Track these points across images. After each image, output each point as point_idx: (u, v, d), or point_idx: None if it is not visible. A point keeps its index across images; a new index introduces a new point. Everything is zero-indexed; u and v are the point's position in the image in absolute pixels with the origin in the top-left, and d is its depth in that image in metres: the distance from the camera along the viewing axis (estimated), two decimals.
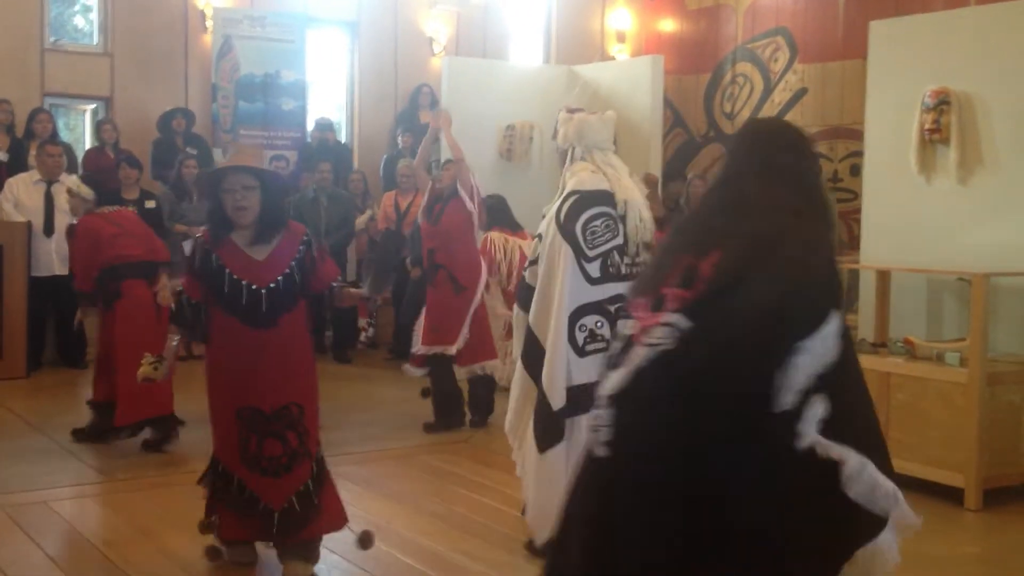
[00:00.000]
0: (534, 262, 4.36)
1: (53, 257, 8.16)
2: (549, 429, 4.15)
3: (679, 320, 2.33)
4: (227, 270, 3.83)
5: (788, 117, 10.64)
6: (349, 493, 5.30)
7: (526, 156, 9.40)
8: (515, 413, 4.38)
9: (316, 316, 3.91)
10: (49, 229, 8.20)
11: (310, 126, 10.29)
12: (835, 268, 2.43)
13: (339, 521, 4.13)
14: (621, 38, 12.27)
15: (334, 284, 4.08)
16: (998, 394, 5.27)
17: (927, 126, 6.18)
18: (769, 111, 10.83)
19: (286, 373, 3.89)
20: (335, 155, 9.87)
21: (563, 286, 4.16)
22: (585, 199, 4.25)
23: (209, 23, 9.94)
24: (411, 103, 10.70)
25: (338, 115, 10.99)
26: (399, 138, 10.22)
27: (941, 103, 6.13)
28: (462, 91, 8.36)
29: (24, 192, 8.26)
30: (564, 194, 4.32)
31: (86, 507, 5.14)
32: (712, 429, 2.27)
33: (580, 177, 4.32)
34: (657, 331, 2.35)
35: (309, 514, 3.95)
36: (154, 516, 4.83)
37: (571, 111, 4.50)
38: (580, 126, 4.39)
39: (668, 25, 12.06)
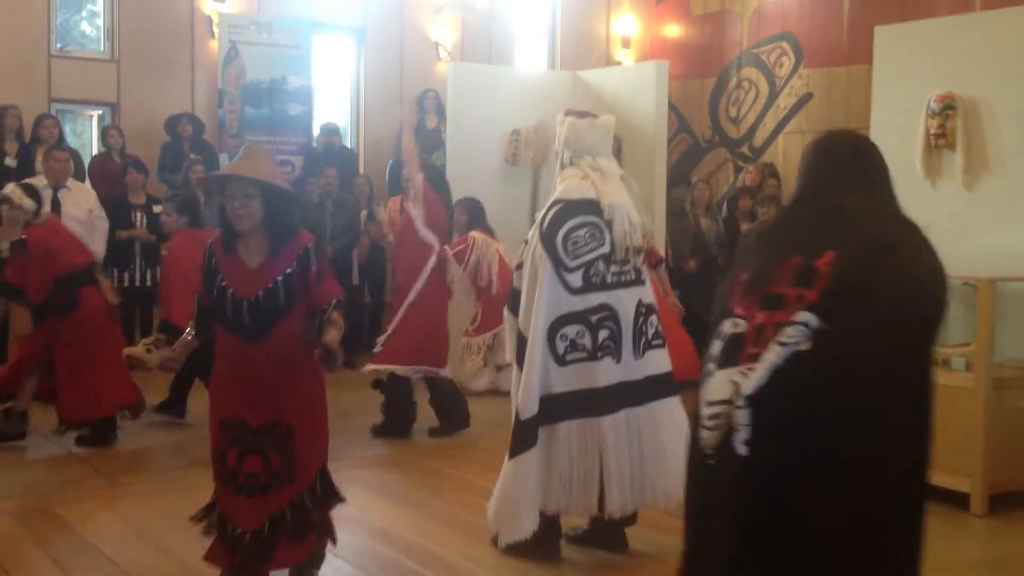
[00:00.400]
0: (519, 266, 4.36)
1: None
2: (520, 436, 4.16)
3: (811, 319, 2.39)
4: (219, 275, 3.67)
5: (794, 122, 10.66)
6: (354, 497, 5.28)
7: (531, 161, 9.40)
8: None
9: (319, 328, 3.61)
10: None
11: (316, 131, 10.31)
12: (944, 273, 2.54)
13: (299, 558, 3.80)
14: (626, 43, 12.28)
15: (326, 306, 3.67)
16: (1004, 399, 5.27)
17: (933, 131, 6.18)
18: (774, 116, 10.83)
19: (278, 388, 3.65)
20: (341, 160, 9.89)
21: (541, 296, 4.17)
22: (569, 208, 4.24)
23: (216, 29, 9.97)
24: (417, 108, 10.71)
25: (344, 120, 11.00)
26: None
27: (947, 108, 6.12)
28: (467, 96, 8.37)
29: None
30: (550, 202, 4.31)
31: (89, 511, 5.14)
32: (852, 427, 2.37)
33: (567, 184, 4.31)
34: (790, 330, 2.40)
35: (276, 544, 3.64)
36: (156, 520, 4.83)
37: (568, 114, 4.46)
38: (568, 131, 4.37)
39: (673, 30, 12.07)
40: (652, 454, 4.31)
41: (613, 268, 4.25)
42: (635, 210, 4.32)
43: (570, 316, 4.18)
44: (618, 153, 8.36)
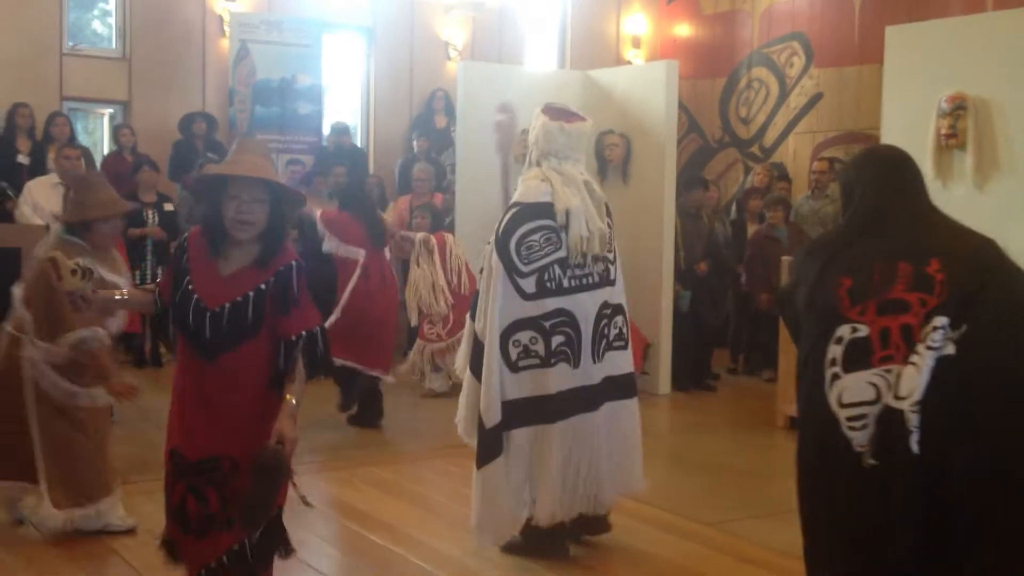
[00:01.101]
0: (482, 269, 4.33)
1: None
2: (486, 445, 4.15)
3: (945, 322, 2.57)
4: (188, 276, 3.13)
5: (804, 122, 10.64)
6: (366, 496, 5.33)
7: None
8: (466, 421, 4.34)
9: (285, 362, 3.10)
10: None
11: (326, 130, 10.33)
12: None
13: None
14: (636, 43, 12.28)
15: (295, 338, 3.11)
16: None
17: (943, 131, 6.17)
18: (785, 116, 10.82)
19: (226, 417, 3.11)
20: (351, 159, 9.90)
21: (494, 303, 4.14)
22: (524, 212, 4.19)
23: (226, 28, 10.00)
24: (426, 107, 10.75)
25: (354, 119, 11.02)
26: (414, 142, 10.26)
27: (957, 108, 6.11)
28: (478, 95, 8.37)
29: (43, 195, 8.29)
30: (509, 204, 4.27)
31: None
32: (1014, 422, 2.54)
33: (526, 187, 4.27)
34: (933, 335, 2.56)
35: None
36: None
37: (545, 112, 4.35)
38: (539, 131, 4.31)
39: (684, 30, 12.06)
40: (604, 456, 4.30)
41: (570, 272, 4.20)
42: (596, 217, 4.25)
43: (523, 322, 4.14)
44: (627, 153, 8.43)
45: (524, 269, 4.14)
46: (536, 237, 4.16)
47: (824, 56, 10.46)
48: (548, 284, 4.16)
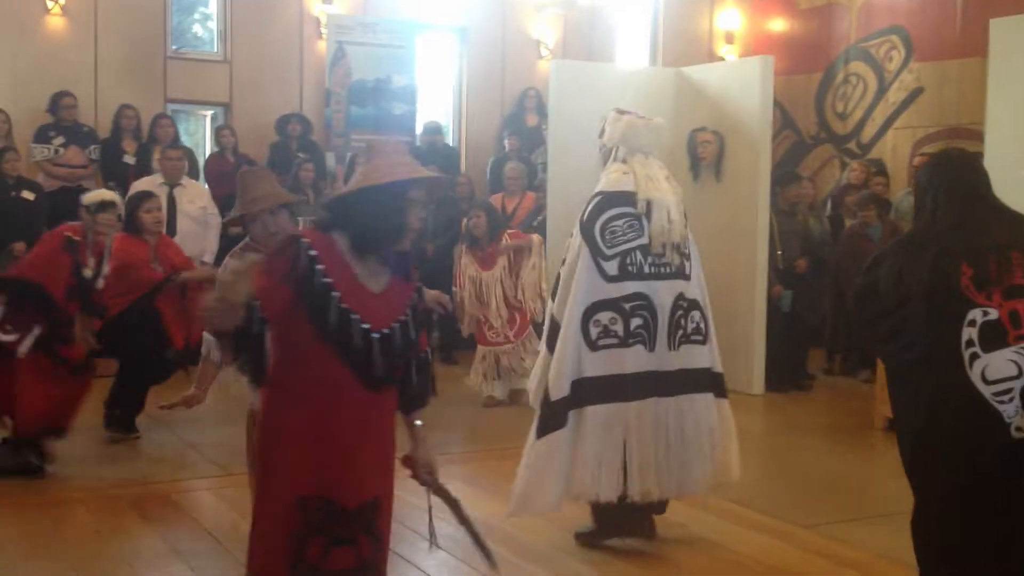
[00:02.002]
0: (564, 259, 4.46)
1: None
2: (549, 417, 4.26)
3: None
4: (334, 294, 2.68)
5: (903, 117, 10.41)
6: (456, 491, 5.37)
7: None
8: (534, 393, 4.47)
9: (420, 381, 2.89)
10: (172, 230, 8.49)
11: (419, 130, 10.45)
12: None
13: None
14: (730, 39, 12.14)
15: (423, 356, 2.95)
16: None
17: None
18: (883, 111, 10.59)
19: (381, 454, 2.82)
20: (443, 158, 10.00)
21: (578, 283, 4.29)
22: (607, 199, 4.38)
23: (323, 30, 10.20)
24: (518, 106, 10.79)
25: (446, 119, 11.13)
26: (506, 141, 10.32)
27: None
28: (569, 94, 8.37)
29: None
30: (592, 194, 4.45)
31: (203, 499, 5.33)
32: None
33: (609, 178, 4.46)
34: None
35: None
36: None
37: (621, 113, 4.58)
38: (627, 129, 4.49)
39: (778, 24, 11.88)
40: (677, 445, 4.37)
41: (651, 259, 4.34)
42: (676, 208, 4.41)
43: (604, 303, 4.29)
44: (720, 150, 8.35)
45: (608, 252, 4.31)
46: (620, 223, 4.34)
47: (924, 50, 10.20)
48: (630, 268, 4.32)
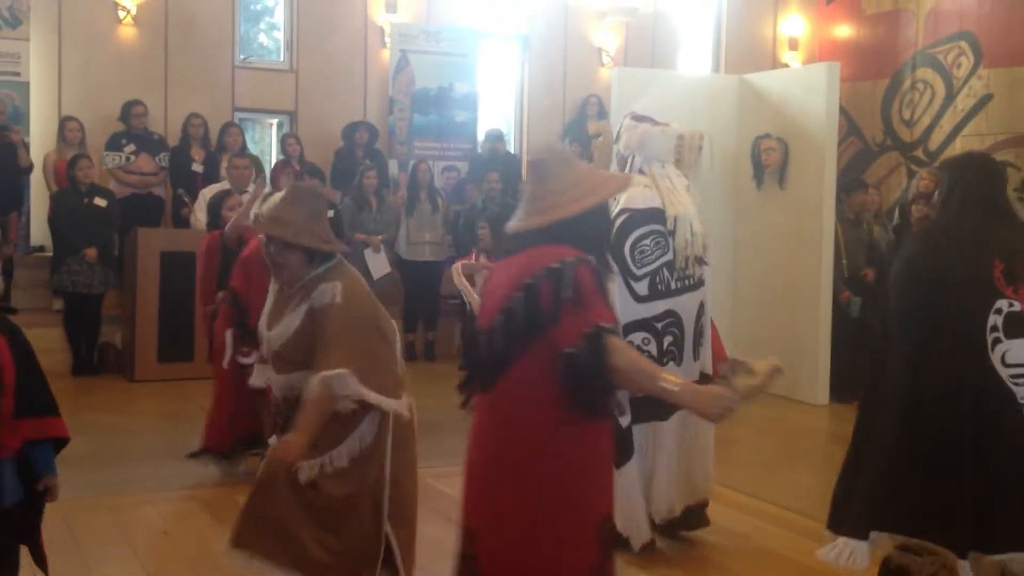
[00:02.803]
0: None
1: None
2: (622, 445, 4.18)
3: None
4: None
5: (972, 124, 10.23)
6: None
7: (695, 166, 9.31)
8: None
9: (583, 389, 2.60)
10: None
11: (480, 137, 10.51)
12: None
13: None
14: (794, 45, 12.03)
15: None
16: None
17: None
18: (951, 118, 10.42)
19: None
20: (504, 166, 10.05)
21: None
22: (635, 218, 4.29)
23: (387, 39, 10.31)
24: (579, 113, 10.81)
25: (507, 126, 11.18)
26: (567, 148, 10.33)
27: None
28: (631, 101, 8.35)
29: None
30: (616, 211, 4.32)
31: None
32: None
33: (631, 193, 4.32)
34: None
35: None
36: None
37: (637, 119, 4.49)
38: (642, 137, 4.40)
39: (843, 31, 11.76)
40: (697, 449, 4.45)
41: (676, 274, 4.34)
42: (698, 219, 4.39)
43: (637, 323, 4.25)
44: (784, 157, 8.28)
45: (637, 272, 4.29)
46: (647, 242, 4.31)
47: (994, 56, 10.02)
48: (659, 287, 4.31)
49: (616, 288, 4.20)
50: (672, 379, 2.56)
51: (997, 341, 3.40)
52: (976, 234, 3.49)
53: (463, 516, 2.80)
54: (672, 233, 4.31)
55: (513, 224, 2.77)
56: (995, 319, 3.39)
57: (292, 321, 3.27)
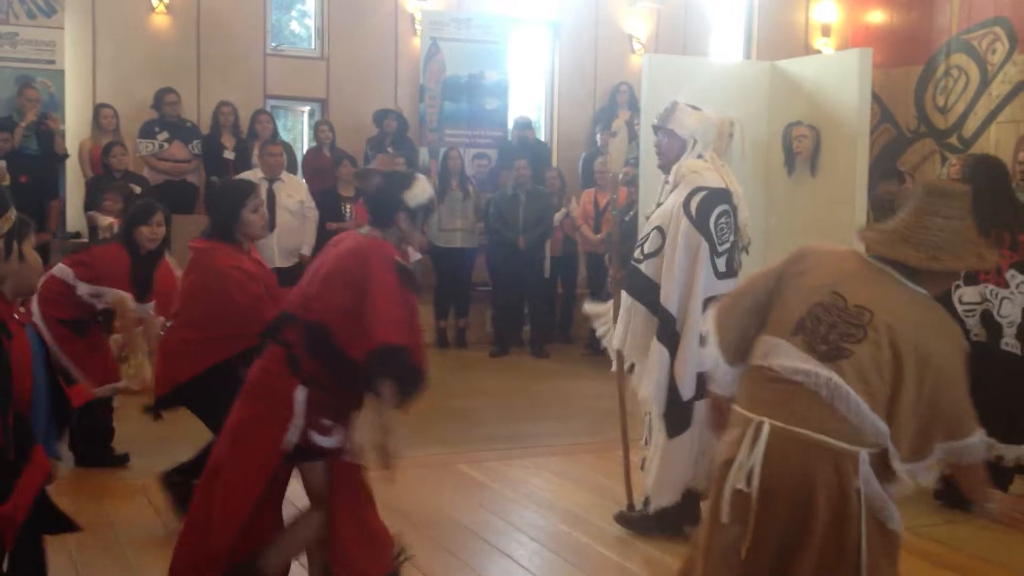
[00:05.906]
0: (651, 255, 4.39)
1: (275, 251, 8.56)
2: (679, 417, 4.32)
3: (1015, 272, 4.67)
4: None
5: (1007, 111, 10.11)
6: (546, 483, 5.44)
7: (726, 153, 9.28)
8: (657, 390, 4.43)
9: None
10: (271, 224, 8.67)
11: (511, 125, 10.52)
12: None
13: None
14: (826, 31, 11.94)
15: None
16: None
17: None
18: (986, 105, 10.31)
19: None
20: (534, 153, 10.06)
21: (699, 279, 4.29)
22: (713, 196, 4.35)
23: (418, 27, 10.33)
24: (610, 101, 10.78)
25: (538, 114, 11.18)
26: (598, 136, 10.32)
27: None
28: (662, 89, 8.30)
29: None
30: (691, 189, 4.34)
31: None
32: None
33: (703, 175, 4.39)
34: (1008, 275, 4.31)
35: None
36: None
37: (693, 108, 4.56)
38: (705, 123, 4.48)
39: (876, 16, 11.64)
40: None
41: (738, 255, 4.45)
42: (746, 207, 4.50)
43: (714, 300, 4.23)
44: (816, 145, 8.22)
45: (720, 249, 4.35)
46: (724, 221, 4.37)
47: None
48: (733, 265, 4.41)
49: (704, 262, 4.29)
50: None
51: (956, 287, 4.76)
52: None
53: None
54: (735, 213, 4.41)
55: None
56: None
57: None
